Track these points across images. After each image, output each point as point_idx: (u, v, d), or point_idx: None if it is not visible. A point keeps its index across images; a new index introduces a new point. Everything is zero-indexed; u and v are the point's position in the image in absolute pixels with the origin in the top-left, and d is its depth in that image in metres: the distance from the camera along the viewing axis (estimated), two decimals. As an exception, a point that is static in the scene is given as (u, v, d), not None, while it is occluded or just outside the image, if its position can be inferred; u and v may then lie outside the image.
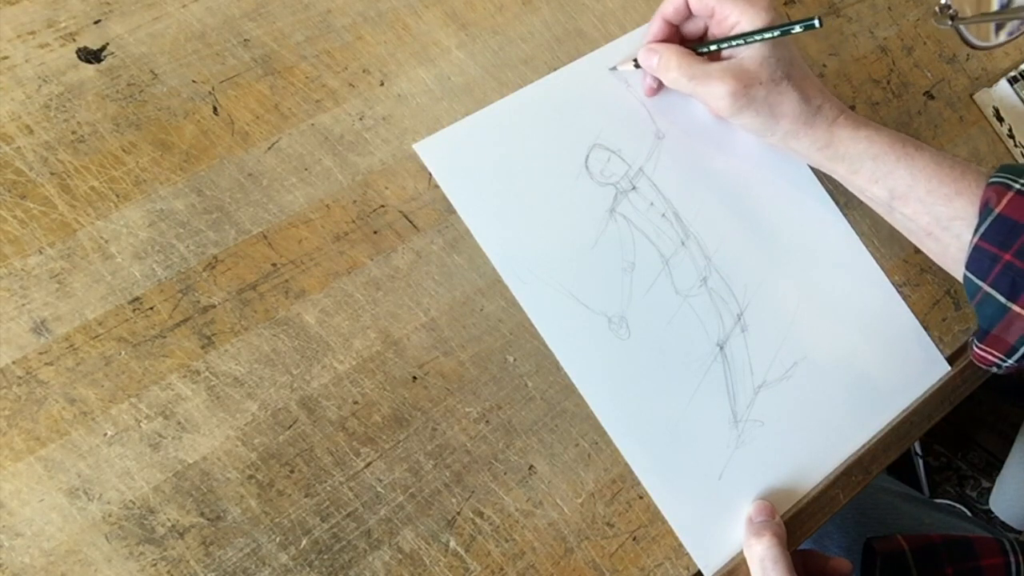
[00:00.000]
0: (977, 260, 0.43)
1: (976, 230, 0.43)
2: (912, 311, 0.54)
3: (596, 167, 0.48)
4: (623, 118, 0.50)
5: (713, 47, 0.47)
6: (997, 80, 0.63)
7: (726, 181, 0.51)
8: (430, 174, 0.45)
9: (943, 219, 0.45)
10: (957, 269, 0.46)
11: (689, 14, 0.48)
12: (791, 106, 0.46)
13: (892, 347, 0.53)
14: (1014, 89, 0.63)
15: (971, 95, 0.63)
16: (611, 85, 0.50)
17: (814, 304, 0.51)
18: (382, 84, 0.46)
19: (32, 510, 0.36)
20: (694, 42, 0.49)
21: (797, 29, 0.43)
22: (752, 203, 0.52)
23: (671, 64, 0.47)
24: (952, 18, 0.59)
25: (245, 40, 0.44)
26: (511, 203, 0.46)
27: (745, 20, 0.44)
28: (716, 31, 0.47)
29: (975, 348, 0.47)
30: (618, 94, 0.50)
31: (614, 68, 0.50)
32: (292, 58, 0.44)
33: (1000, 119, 0.63)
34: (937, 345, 0.55)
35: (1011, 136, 0.63)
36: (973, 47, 0.63)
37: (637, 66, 0.49)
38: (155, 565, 0.37)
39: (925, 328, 0.54)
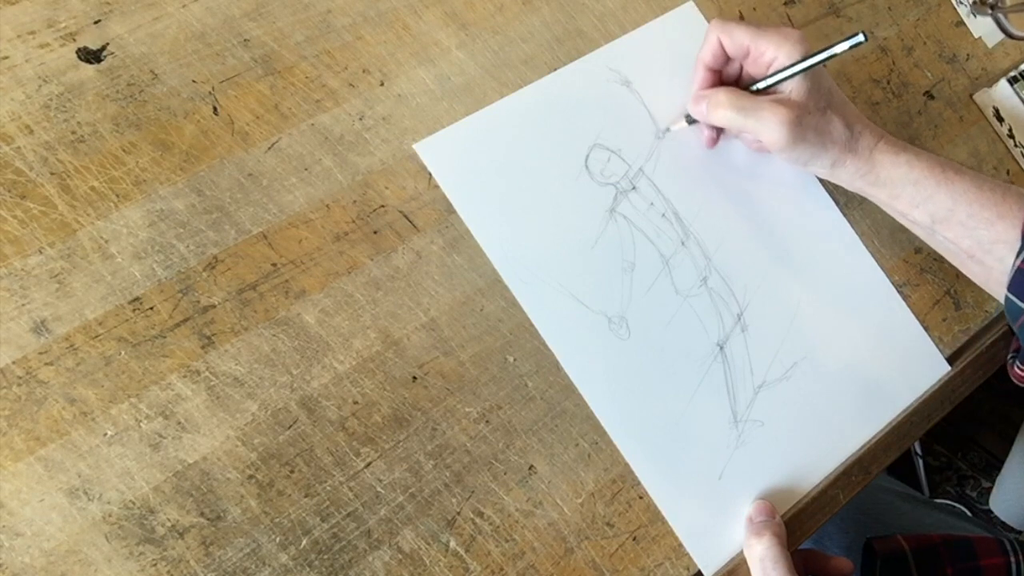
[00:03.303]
0: (1020, 282, 0.43)
1: (1019, 253, 0.43)
2: (912, 311, 0.54)
3: (596, 167, 0.48)
4: (623, 118, 0.50)
5: (763, 84, 0.46)
6: (997, 80, 0.63)
7: (726, 181, 0.51)
8: (430, 174, 0.45)
9: (985, 242, 0.45)
10: (1000, 292, 0.46)
11: (726, 57, 0.47)
12: (839, 133, 0.46)
13: (892, 347, 0.53)
14: (1014, 89, 0.63)
15: (971, 95, 0.62)
16: (611, 85, 0.50)
17: (814, 304, 0.51)
18: (382, 84, 0.46)
19: (32, 510, 0.36)
20: (738, 84, 0.49)
21: (844, 47, 0.42)
22: (752, 203, 0.52)
23: (721, 102, 0.46)
24: (993, 7, 0.57)
25: (245, 40, 0.44)
26: (511, 203, 0.46)
27: (782, 54, 0.44)
28: (752, 70, 0.47)
29: (1016, 368, 0.47)
30: (618, 94, 0.50)
31: (667, 129, 0.50)
32: (292, 58, 0.44)
33: (1000, 119, 0.63)
34: (937, 345, 0.55)
35: (1011, 136, 0.63)
36: (1013, 37, 0.62)
37: (690, 122, 0.49)
38: (155, 565, 0.37)
39: (925, 328, 0.54)
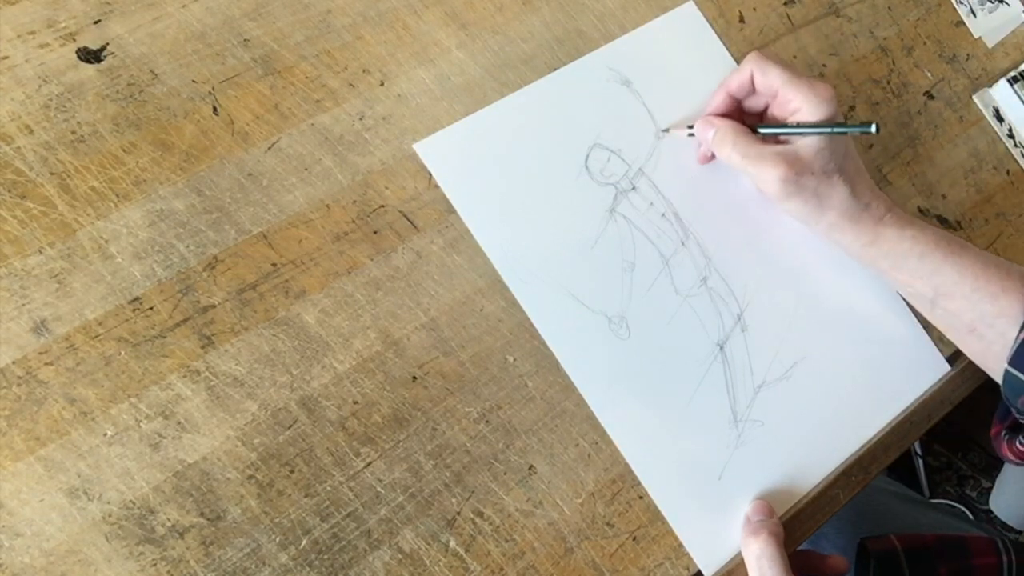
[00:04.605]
0: (1022, 356, 0.43)
1: (1023, 327, 0.43)
2: (912, 311, 0.54)
3: (596, 167, 0.48)
4: (623, 118, 0.50)
5: (769, 131, 0.46)
6: (997, 80, 0.63)
7: (726, 181, 0.51)
8: (430, 174, 0.45)
9: (988, 316, 0.45)
10: (997, 367, 0.46)
11: (753, 90, 0.47)
12: (839, 200, 0.45)
13: (892, 347, 0.53)
14: (1014, 89, 0.63)
15: (971, 95, 0.63)
16: (611, 85, 0.50)
17: (814, 304, 0.51)
18: (382, 84, 0.46)
19: (32, 510, 0.36)
20: (752, 119, 0.49)
21: (852, 131, 0.43)
22: (752, 203, 0.52)
23: (727, 140, 0.46)
24: None
25: (245, 40, 0.44)
26: (511, 203, 0.46)
27: (807, 108, 0.44)
28: (776, 112, 0.47)
29: (1017, 444, 0.48)
30: (618, 94, 0.50)
31: (666, 130, 0.50)
32: (292, 58, 0.44)
33: (1000, 119, 0.63)
34: (937, 345, 0.55)
35: (1011, 136, 0.63)
36: None
37: (691, 134, 0.49)
38: (155, 565, 0.37)
39: (925, 328, 0.54)
